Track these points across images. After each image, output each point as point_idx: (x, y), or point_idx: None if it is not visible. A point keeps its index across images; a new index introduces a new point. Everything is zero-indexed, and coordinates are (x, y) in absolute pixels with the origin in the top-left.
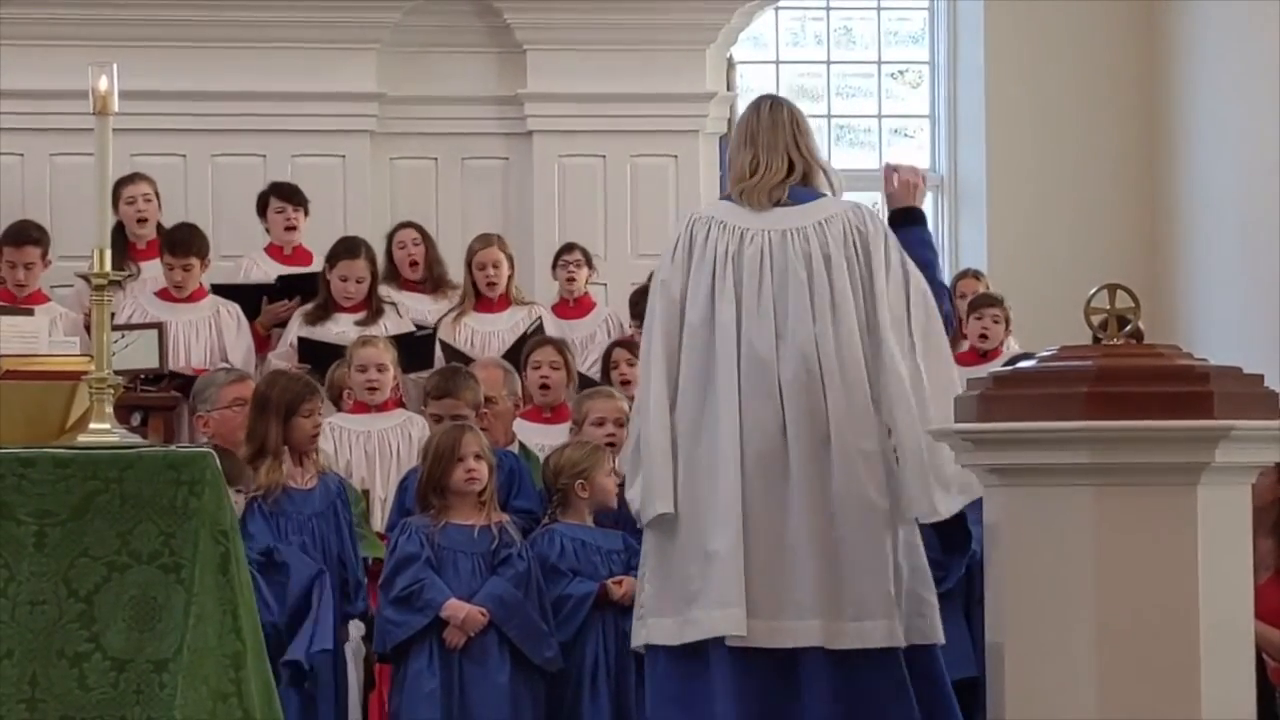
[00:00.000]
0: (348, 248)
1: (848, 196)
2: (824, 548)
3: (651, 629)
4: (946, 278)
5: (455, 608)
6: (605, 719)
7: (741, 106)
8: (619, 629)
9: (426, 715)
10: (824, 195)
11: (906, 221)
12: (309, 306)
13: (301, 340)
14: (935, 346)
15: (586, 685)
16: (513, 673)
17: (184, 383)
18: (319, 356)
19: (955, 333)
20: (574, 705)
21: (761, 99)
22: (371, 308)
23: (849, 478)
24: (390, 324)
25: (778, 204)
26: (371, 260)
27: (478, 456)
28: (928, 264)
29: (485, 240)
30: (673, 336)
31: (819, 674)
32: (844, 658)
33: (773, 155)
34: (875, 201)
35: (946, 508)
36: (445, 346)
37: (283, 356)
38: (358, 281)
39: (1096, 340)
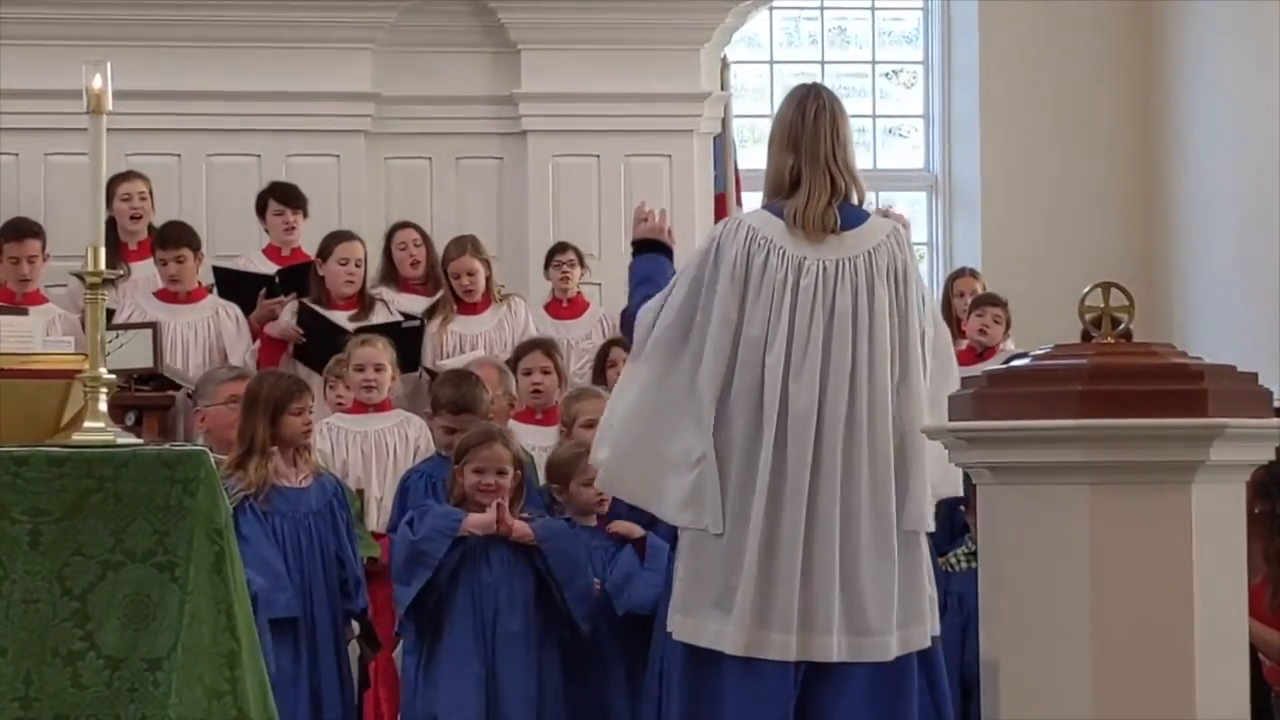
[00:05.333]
0: (344, 233)
1: None
2: (844, 568)
3: (677, 625)
4: (940, 277)
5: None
6: None
7: (736, 107)
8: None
9: (477, 704)
10: (869, 215)
11: (649, 249)
12: (298, 302)
13: (301, 305)
14: (945, 363)
15: None
16: (540, 675)
17: (174, 387)
18: (317, 327)
19: None
20: None
21: (806, 94)
22: (363, 303)
23: (866, 501)
24: (380, 320)
25: (831, 230)
26: (364, 248)
27: (500, 472)
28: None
29: (459, 248)
30: (728, 367)
31: (844, 684)
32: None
33: (815, 171)
34: (868, 203)
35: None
36: (430, 372)
37: (279, 329)
38: (356, 264)
39: (1088, 337)
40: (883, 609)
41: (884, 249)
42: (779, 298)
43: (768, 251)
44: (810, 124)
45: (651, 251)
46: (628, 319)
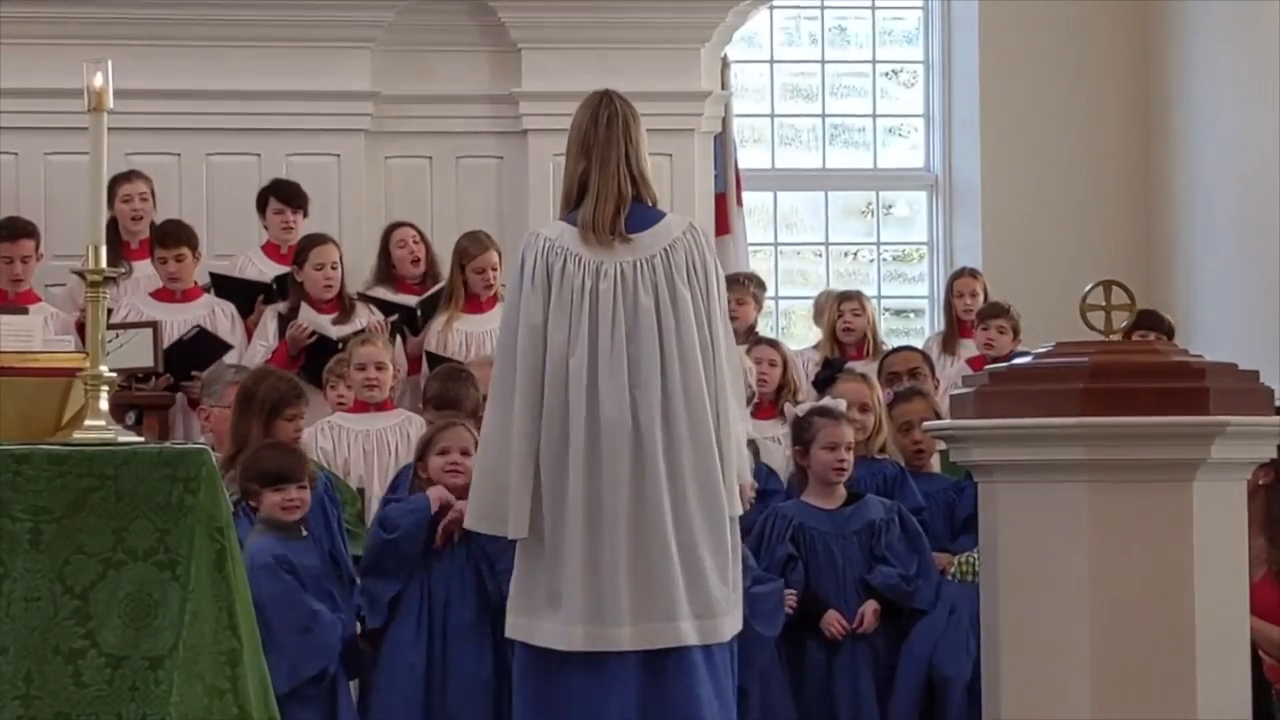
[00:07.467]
0: (316, 237)
1: (842, 194)
2: (683, 558)
3: (511, 626)
4: (940, 277)
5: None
6: None
7: (736, 106)
8: None
9: (405, 694)
10: (663, 215)
11: None
12: (281, 307)
13: (280, 318)
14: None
15: None
16: (495, 665)
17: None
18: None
19: None
20: None
21: (599, 101)
22: (343, 306)
23: (695, 493)
24: (363, 322)
25: (620, 236)
26: (339, 250)
27: (464, 452)
28: None
29: (479, 244)
30: (538, 373)
31: (686, 667)
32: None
33: (604, 177)
34: (869, 203)
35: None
36: (431, 356)
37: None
38: (332, 268)
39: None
40: (722, 592)
41: (680, 246)
42: (578, 303)
43: (565, 259)
44: (603, 130)
45: None
46: None
